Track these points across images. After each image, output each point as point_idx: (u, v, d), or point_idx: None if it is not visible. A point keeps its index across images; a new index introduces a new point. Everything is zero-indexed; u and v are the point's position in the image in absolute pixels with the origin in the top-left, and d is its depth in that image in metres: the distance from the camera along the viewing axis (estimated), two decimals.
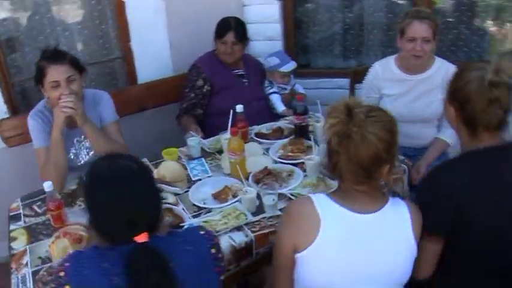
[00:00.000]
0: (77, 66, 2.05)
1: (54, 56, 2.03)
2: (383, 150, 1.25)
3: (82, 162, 2.19)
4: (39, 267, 1.65)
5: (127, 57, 2.82)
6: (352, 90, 2.88)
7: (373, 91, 2.48)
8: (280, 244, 1.37)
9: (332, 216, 1.29)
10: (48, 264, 1.64)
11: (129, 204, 1.16)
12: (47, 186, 1.77)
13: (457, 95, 1.42)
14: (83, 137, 2.17)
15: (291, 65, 2.79)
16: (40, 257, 1.69)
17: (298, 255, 1.32)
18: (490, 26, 3.12)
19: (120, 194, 1.16)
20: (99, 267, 1.15)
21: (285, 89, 2.84)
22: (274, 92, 2.80)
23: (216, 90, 2.66)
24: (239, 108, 2.25)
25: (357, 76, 2.77)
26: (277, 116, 2.71)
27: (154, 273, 1.13)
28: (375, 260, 1.30)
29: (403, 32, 2.28)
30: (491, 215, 1.37)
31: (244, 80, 2.75)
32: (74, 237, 1.65)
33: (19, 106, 2.67)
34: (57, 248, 1.63)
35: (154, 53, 2.84)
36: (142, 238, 1.15)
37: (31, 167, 2.15)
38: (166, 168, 1.96)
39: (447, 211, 1.38)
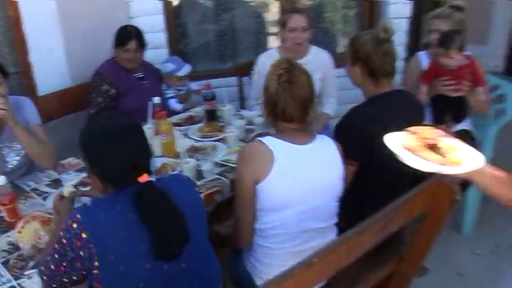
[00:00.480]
0: (1, 70, 2.14)
1: None
2: (313, 92, 1.69)
3: (11, 166, 2.25)
4: (7, 257, 1.72)
5: (26, 71, 2.88)
6: (240, 85, 3.31)
7: (262, 78, 2.93)
8: (242, 181, 1.69)
9: (281, 149, 1.66)
10: (17, 252, 1.73)
11: (133, 151, 1.39)
12: (1, 180, 1.85)
13: (359, 55, 1.92)
14: (13, 143, 2.23)
15: (187, 69, 3.11)
16: (4, 250, 1.77)
17: (259, 185, 1.66)
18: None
19: (124, 142, 1.38)
20: (112, 209, 1.35)
21: (181, 90, 3.15)
22: (172, 97, 3.10)
23: (121, 92, 2.86)
24: (156, 99, 2.53)
25: (242, 71, 3.22)
26: (175, 114, 3.00)
27: (160, 206, 1.37)
28: (318, 178, 1.71)
29: (285, 24, 2.78)
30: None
31: (145, 82, 3.00)
32: (42, 219, 1.77)
33: None
34: (28, 231, 1.73)
35: (51, 65, 2.94)
36: (144, 178, 1.38)
37: None
38: None
39: (360, 143, 1.85)
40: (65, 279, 1.41)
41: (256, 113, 2.75)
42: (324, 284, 1.86)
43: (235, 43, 3.80)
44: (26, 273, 1.64)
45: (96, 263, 1.31)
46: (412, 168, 1.26)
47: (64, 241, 1.34)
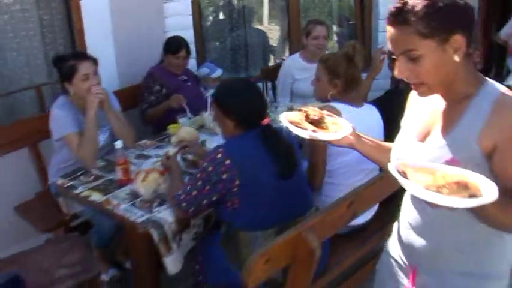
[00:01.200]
0: (95, 62, 2.70)
1: (80, 55, 2.67)
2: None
3: (100, 145, 2.79)
4: (132, 201, 2.27)
5: None
6: (266, 89, 3.97)
7: (288, 77, 3.61)
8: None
9: (344, 109, 2.28)
10: (140, 198, 2.27)
11: (260, 101, 2.02)
12: (118, 144, 2.40)
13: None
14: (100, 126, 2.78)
15: (219, 72, 3.73)
16: (125, 199, 2.31)
17: None
18: None
19: (255, 95, 2.01)
20: (246, 143, 1.96)
21: None
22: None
23: (171, 92, 3.43)
24: (211, 92, 3.14)
25: (269, 75, 3.90)
26: None
27: (279, 139, 1.98)
28: (371, 131, 2.35)
29: (309, 33, 3.48)
30: None
31: (188, 83, 3.59)
32: (159, 171, 2.32)
33: None
34: (150, 179, 2.27)
35: (104, 71, 3.47)
36: (266, 121, 2.00)
37: None
38: (186, 131, 2.73)
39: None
40: (204, 202, 1.97)
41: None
42: (370, 218, 2.49)
43: (247, 56, 4.50)
44: (154, 210, 2.19)
45: (237, 182, 1.89)
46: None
47: (209, 169, 1.91)
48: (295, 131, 1.46)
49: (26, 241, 2.86)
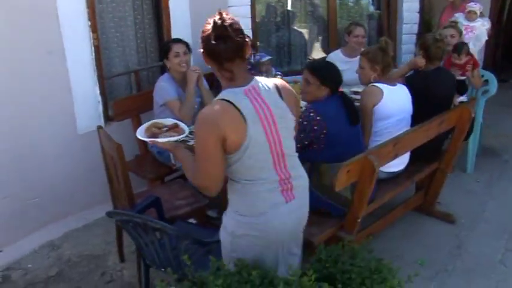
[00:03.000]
0: (187, 46, 3.87)
1: (175, 39, 3.94)
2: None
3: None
4: None
5: None
6: None
7: None
8: (367, 105, 3.39)
9: (385, 88, 3.37)
10: None
11: (339, 74, 3.10)
12: None
13: (421, 46, 3.72)
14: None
15: (267, 57, 4.68)
16: None
17: (375, 107, 3.36)
18: None
19: (338, 70, 3.10)
20: (330, 103, 3.01)
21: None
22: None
23: None
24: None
25: None
26: None
27: (350, 100, 3.08)
28: (404, 105, 3.44)
29: (350, 32, 4.58)
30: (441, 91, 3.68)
31: (252, 71, 4.66)
32: None
33: None
34: None
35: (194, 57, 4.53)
36: (341, 89, 3.09)
37: None
38: None
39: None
40: (297, 145, 2.97)
41: None
42: (402, 168, 3.56)
43: (290, 52, 5.62)
44: None
45: (325, 131, 2.93)
46: None
47: (305, 123, 2.93)
48: (143, 138, 2.40)
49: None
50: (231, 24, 2.06)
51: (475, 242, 3.74)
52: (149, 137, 2.38)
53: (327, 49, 5.63)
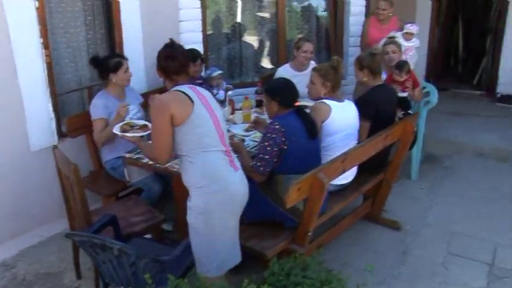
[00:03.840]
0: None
1: (122, 55, 4.07)
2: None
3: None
4: None
5: None
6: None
7: None
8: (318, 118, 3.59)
9: (333, 104, 3.57)
10: None
11: (295, 89, 3.27)
12: None
13: (362, 66, 3.92)
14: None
15: (217, 71, 4.77)
16: None
17: (324, 123, 3.55)
18: None
19: (292, 86, 3.26)
20: (289, 118, 3.17)
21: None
22: (217, 93, 4.91)
23: None
24: (230, 93, 4.36)
25: (267, 79, 5.15)
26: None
27: (306, 114, 3.25)
28: (351, 121, 3.65)
29: (299, 48, 4.76)
30: (387, 107, 3.88)
31: (203, 86, 4.77)
32: None
33: None
34: None
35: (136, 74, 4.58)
36: (297, 104, 3.26)
37: None
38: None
39: (373, 109, 3.82)
40: (274, 160, 3.14)
41: None
42: (350, 181, 3.76)
43: (241, 64, 5.78)
44: None
45: (287, 142, 3.10)
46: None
47: (274, 136, 3.08)
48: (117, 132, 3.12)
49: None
50: (177, 48, 2.93)
51: (419, 246, 3.98)
52: (121, 132, 3.13)
53: (277, 61, 5.80)
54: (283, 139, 3.12)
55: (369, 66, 3.97)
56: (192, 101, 2.68)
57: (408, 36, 5.22)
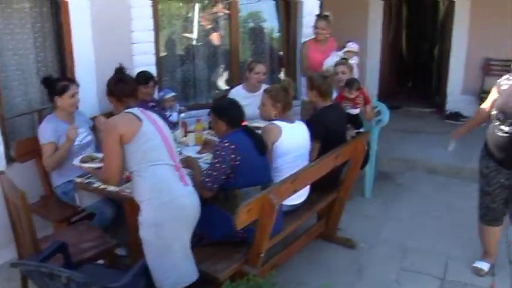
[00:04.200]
0: (78, 86, 3.97)
1: (71, 79, 4.00)
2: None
3: (82, 142, 3.98)
4: None
5: None
6: None
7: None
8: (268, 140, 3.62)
9: (284, 125, 3.61)
10: None
11: (241, 109, 3.32)
12: None
13: (313, 86, 3.99)
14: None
15: (171, 93, 4.88)
16: None
17: (275, 145, 3.59)
18: None
19: (238, 106, 3.32)
20: (238, 135, 3.22)
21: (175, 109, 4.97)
22: (170, 116, 4.91)
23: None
24: (182, 115, 4.36)
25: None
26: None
27: (255, 132, 3.31)
28: (301, 142, 3.70)
29: (252, 69, 4.81)
30: (336, 126, 3.96)
31: (156, 109, 4.76)
32: None
33: None
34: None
35: (86, 99, 4.53)
36: (244, 123, 3.30)
37: None
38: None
39: (323, 129, 3.89)
40: (223, 177, 3.16)
41: None
42: (303, 201, 3.80)
43: (195, 86, 5.80)
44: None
45: (239, 158, 3.13)
46: None
47: (223, 153, 3.11)
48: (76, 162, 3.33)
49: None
50: (126, 73, 3.20)
51: (374, 264, 4.05)
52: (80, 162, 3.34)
53: (230, 83, 5.85)
54: (233, 156, 3.16)
55: (319, 88, 4.05)
56: (140, 119, 2.86)
57: (349, 54, 5.33)
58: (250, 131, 3.34)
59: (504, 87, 3.49)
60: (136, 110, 2.96)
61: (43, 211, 3.96)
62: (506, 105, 3.40)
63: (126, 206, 3.34)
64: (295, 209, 3.76)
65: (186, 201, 2.90)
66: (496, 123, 3.47)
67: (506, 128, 3.38)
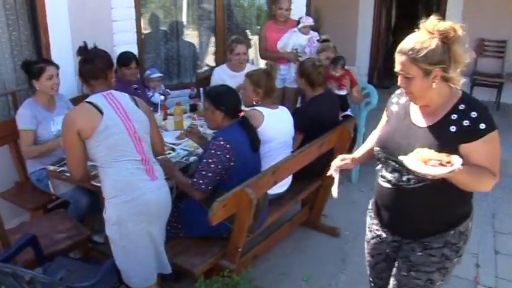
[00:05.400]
0: (57, 67, 3.76)
1: (47, 60, 3.79)
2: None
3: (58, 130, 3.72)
4: None
5: None
6: (199, 94, 5.03)
7: (222, 82, 4.71)
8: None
9: (266, 112, 3.46)
10: None
11: (238, 98, 3.16)
12: None
13: (302, 74, 3.81)
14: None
15: (158, 73, 4.74)
16: None
17: (259, 129, 3.44)
18: None
19: (235, 94, 3.16)
20: (234, 130, 3.06)
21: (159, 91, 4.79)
22: (152, 95, 4.73)
23: None
24: (162, 98, 4.19)
25: (203, 82, 4.99)
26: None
27: (250, 125, 3.14)
28: (287, 128, 3.54)
29: (232, 50, 4.62)
30: (325, 117, 3.79)
31: (139, 91, 4.59)
32: None
33: None
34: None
35: (65, 81, 4.34)
36: (241, 114, 3.13)
37: None
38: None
39: (308, 122, 3.72)
40: (217, 178, 2.98)
41: None
42: (285, 189, 3.67)
43: (180, 64, 5.59)
44: None
45: (233, 159, 2.96)
46: None
47: (218, 153, 2.93)
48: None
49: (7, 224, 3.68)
50: (94, 51, 2.86)
51: (359, 253, 3.88)
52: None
53: (216, 61, 5.65)
54: (228, 156, 2.97)
55: (308, 77, 3.90)
56: (101, 112, 2.63)
57: (306, 29, 5.15)
58: (246, 124, 3.16)
59: (394, 108, 2.36)
60: (99, 99, 2.70)
61: (16, 198, 3.83)
62: (389, 138, 2.24)
63: (99, 195, 3.19)
64: (278, 198, 3.63)
65: (151, 198, 2.68)
66: (378, 167, 2.34)
67: (389, 176, 2.23)
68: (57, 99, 3.90)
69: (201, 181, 2.98)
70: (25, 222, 3.55)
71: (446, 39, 2.02)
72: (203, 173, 2.98)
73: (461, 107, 2.08)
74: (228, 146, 2.97)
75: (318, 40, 5.04)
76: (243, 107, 3.78)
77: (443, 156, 1.85)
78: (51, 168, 3.44)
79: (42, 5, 4.21)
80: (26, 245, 2.90)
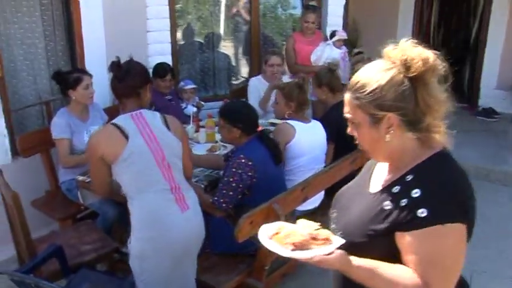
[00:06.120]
0: (91, 77, 3.76)
1: (83, 70, 3.77)
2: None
3: None
4: None
5: None
6: None
7: (257, 95, 4.65)
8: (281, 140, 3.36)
9: (298, 126, 3.35)
10: None
11: (255, 114, 3.08)
12: None
13: (321, 82, 3.72)
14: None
15: (192, 84, 4.74)
16: None
17: (288, 145, 3.32)
18: None
19: (252, 110, 3.10)
20: (254, 146, 2.95)
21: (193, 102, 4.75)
22: (186, 107, 4.69)
23: (159, 109, 4.35)
24: (194, 110, 4.13)
25: (237, 95, 4.92)
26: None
27: (271, 140, 3.02)
28: (318, 143, 3.42)
29: (266, 61, 4.55)
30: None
31: (172, 102, 4.56)
32: None
33: None
34: None
35: (99, 91, 4.35)
36: (259, 128, 3.02)
37: None
38: None
39: (334, 130, 3.58)
40: (238, 196, 2.89)
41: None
42: (317, 206, 3.54)
43: (215, 76, 5.55)
44: None
45: (255, 175, 2.86)
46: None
47: (240, 171, 2.84)
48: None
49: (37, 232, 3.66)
50: (127, 68, 2.58)
51: None
52: None
53: (250, 74, 5.59)
54: (250, 174, 2.87)
55: (329, 84, 3.79)
56: (127, 136, 2.42)
57: (340, 43, 5.07)
58: (265, 139, 3.05)
59: None
60: (127, 121, 2.48)
61: (46, 208, 3.82)
62: (341, 195, 1.83)
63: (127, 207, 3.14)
64: (309, 214, 3.49)
65: (178, 235, 2.46)
66: None
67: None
68: (91, 108, 3.89)
69: (221, 200, 2.89)
70: (53, 232, 3.54)
71: (410, 73, 1.42)
72: (224, 191, 2.88)
73: (408, 177, 1.45)
74: (250, 163, 2.86)
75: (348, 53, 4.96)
76: (275, 120, 3.71)
77: (322, 233, 1.39)
78: (81, 178, 3.42)
79: (78, 15, 4.24)
80: (52, 256, 2.87)
